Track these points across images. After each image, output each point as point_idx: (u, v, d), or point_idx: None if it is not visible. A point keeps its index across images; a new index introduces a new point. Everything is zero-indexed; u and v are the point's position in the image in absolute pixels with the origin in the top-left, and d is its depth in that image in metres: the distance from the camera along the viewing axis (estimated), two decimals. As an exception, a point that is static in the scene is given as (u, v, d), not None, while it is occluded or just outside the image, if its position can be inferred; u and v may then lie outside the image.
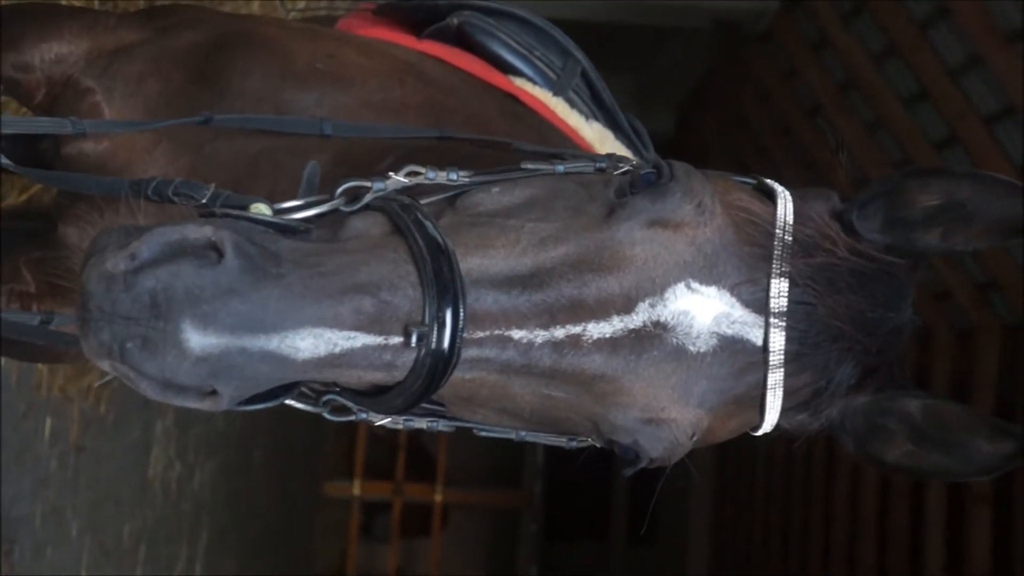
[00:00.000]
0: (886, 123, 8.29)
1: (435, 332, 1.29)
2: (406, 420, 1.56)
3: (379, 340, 1.28)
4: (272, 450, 10.02)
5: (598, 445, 1.56)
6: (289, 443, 11.11)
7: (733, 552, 12.47)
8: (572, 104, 2.27)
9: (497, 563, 15.32)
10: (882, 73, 8.24)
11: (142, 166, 1.99)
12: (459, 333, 1.30)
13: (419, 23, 2.38)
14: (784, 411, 1.49)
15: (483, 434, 1.60)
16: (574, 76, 2.31)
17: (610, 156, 1.57)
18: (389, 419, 1.52)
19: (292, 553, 11.89)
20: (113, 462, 5.76)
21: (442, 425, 1.60)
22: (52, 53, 2.12)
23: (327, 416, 1.51)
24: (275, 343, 1.21)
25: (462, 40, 2.30)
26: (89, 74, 2.08)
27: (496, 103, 2.18)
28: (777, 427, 1.54)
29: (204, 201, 1.40)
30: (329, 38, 2.23)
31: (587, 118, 2.28)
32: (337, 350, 1.25)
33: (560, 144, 2.13)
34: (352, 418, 1.49)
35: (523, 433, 1.57)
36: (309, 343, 1.23)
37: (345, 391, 1.45)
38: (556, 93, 2.26)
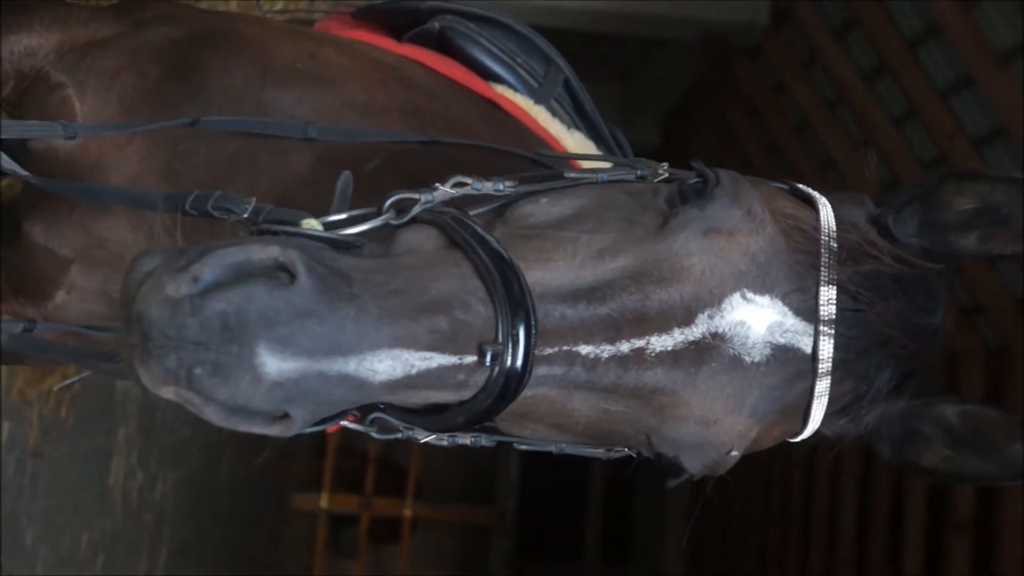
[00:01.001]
0: (874, 141, 8.21)
1: (509, 350, 1.27)
2: (451, 436, 1.50)
3: (454, 360, 1.26)
4: (239, 461, 9.85)
5: (640, 455, 1.54)
6: (257, 454, 10.92)
7: (708, 571, 12.37)
8: (554, 113, 2.27)
9: (467, 580, 15.15)
10: (872, 91, 8.17)
11: (113, 163, 1.94)
12: (532, 350, 1.28)
13: (399, 27, 2.37)
14: (825, 418, 1.48)
15: (523, 447, 1.55)
16: (556, 85, 2.30)
17: (645, 162, 1.55)
18: (433, 436, 1.47)
19: (256, 567, 11.70)
20: (72, 469, 5.62)
21: (484, 440, 1.54)
22: (21, 45, 2.06)
23: (374, 435, 1.47)
24: (353, 366, 1.19)
25: (443, 45, 2.27)
26: (60, 68, 2.03)
27: (478, 109, 2.16)
28: (816, 433, 1.53)
29: (246, 216, 1.37)
30: (309, 38, 2.19)
31: (569, 128, 2.28)
32: (414, 372, 1.23)
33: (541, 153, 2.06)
34: (398, 435, 1.46)
35: (563, 446, 1.53)
36: (387, 365, 1.21)
37: (392, 408, 1.42)
38: (538, 101, 2.25)
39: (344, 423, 1.42)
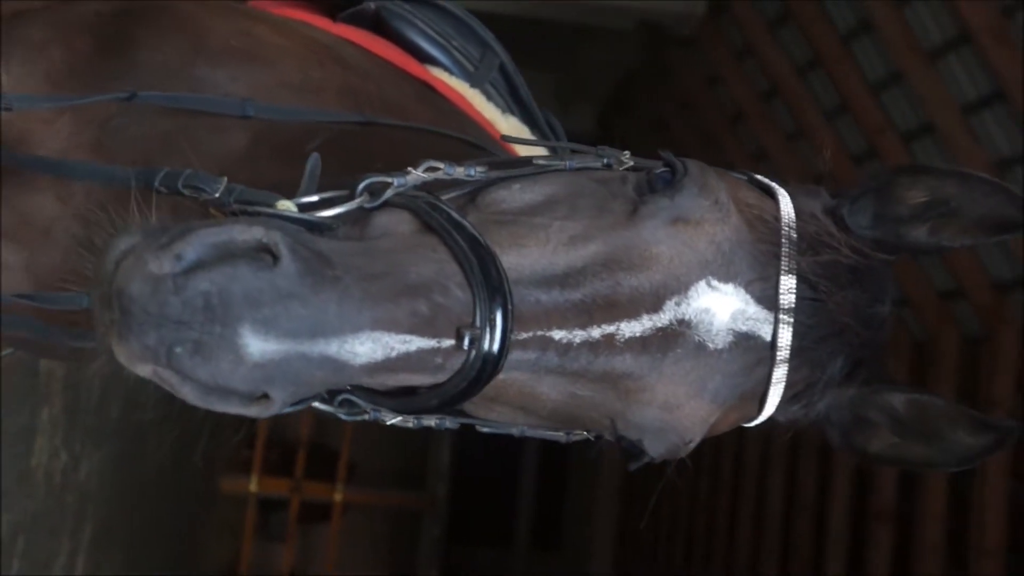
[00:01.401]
0: (807, 134, 8.31)
1: (487, 334, 1.28)
2: (416, 418, 1.50)
3: (433, 343, 1.27)
4: (166, 443, 9.71)
5: (601, 439, 1.57)
6: (185, 436, 10.79)
7: (637, 558, 12.49)
8: (489, 97, 2.26)
9: (397, 566, 15.13)
10: (805, 84, 8.27)
11: (40, 139, 1.89)
12: (509, 335, 1.29)
13: (334, 7, 2.33)
14: (779, 404, 1.51)
15: (486, 430, 1.56)
16: (492, 69, 2.30)
17: (607, 150, 1.56)
18: (399, 418, 1.48)
19: (183, 550, 11.56)
20: (-6, 449, 5.45)
21: (449, 423, 1.54)
22: None
23: (343, 416, 1.46)
24: (335, 348, 1.19)
25: (378, 26, 2.26)
26: None
27: (414, 91, 2.15)
28: (770, 419, 1.56)
29: (217, 196, 1.36)
30: (244, 15, 2.14)
31: (503, 112, 2.27)
32: (394, 354, 1.24)
33: (478, 136, 2.09)
34: (365, 417, 1.46)
35: (524, 428, 1.54)
36: (367, 347, 1.22)
37: (361, 390, 1.42)
38: (473, 84, 2.25)
39: (315, 404, 1.41)
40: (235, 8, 2.24)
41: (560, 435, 1.57)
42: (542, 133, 2.35)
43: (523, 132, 2.29)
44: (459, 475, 15.07)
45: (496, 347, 1.29)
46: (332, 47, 2.13)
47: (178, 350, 1.15)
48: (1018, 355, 6.73)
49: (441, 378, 1.31)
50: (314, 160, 1.42)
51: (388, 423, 1.48)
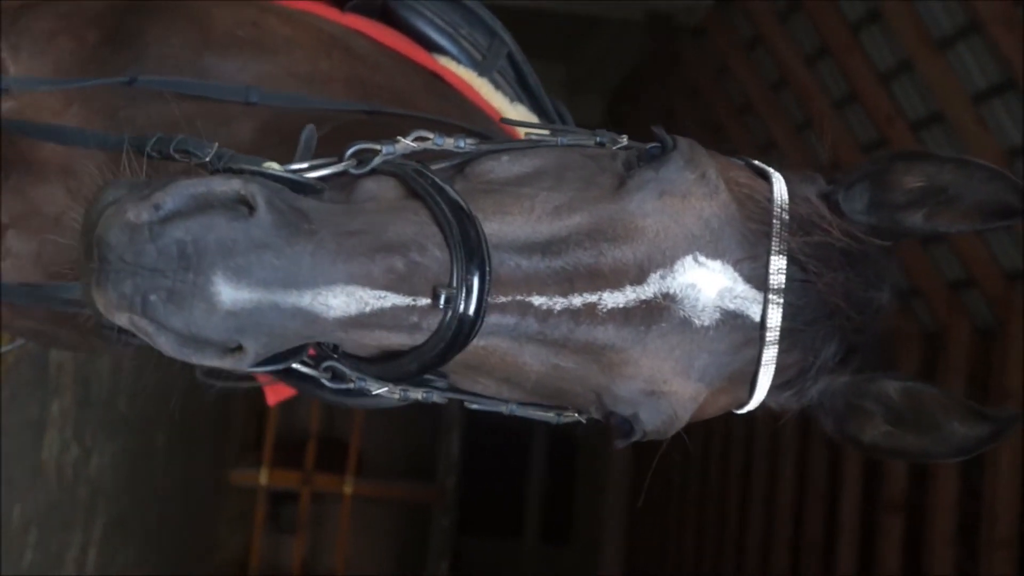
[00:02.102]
0: (816, 125, 8.28)
1: (463, 295, 1.28)
2: (403, 390, 1.50)
3: (408, 301, 1.28)
4: (176, 435, 9.75)
5: (590, 418, 1.56)
6: (194, 428, 10.83)
7: (647, 551, 12.48)
8: (497, 86, 2.26)
9: (407, 557, 15.14)
10: (814, 74, 8.23)
11: None
12: (485, 296, 1.29)
13: None
14: (771, 389, 1.50)
15: (474, 407, 1.56)
16: (499, 57, 2.30)
17: (604, 132, 1.56)
18: (386, 388, 1.48)
19: (194, 543, 11.61)
20: (5, 442, 5.50)
21: (436, 396, 1.53)
22: None
23: (326, 383, 1.45)
24: (307, 300, 1.20)
25: (386, 16, 2.26)
26: None
27: (422, 81, 2.15)
28: (761, 405, 1.55)
29: (207, 160, 1.36)
30: (251, 6, 2.14)
31: (512, 100, 2.28)
32: (367, 309, 1.25)
33: (484, 125, 2.08)
34: (350, 386, 1.45)
35: (513, 407, 1.53)
36: (341, 301, 1.23)
37: (346, 358, 1.42)
38: (481, 73, 2.25)
39: (296, 366, 1.42)
40: None
41: (551, 415, 1.57)
42: (551, 121, 2.34)
43: (531, 120, 2.28)
44: (469, 466, 15.09)
45: (472, 309, 1.29)
46: (340, 38, 2.14)
47: (152, 298, 1.16)
48: (1030, 345, 6.69)
49: (419, 339, 1.32)
50: (309, 131, 1.44)
51: (374, 392, 1.47)
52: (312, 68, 1.98)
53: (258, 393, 2.54)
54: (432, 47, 2.25)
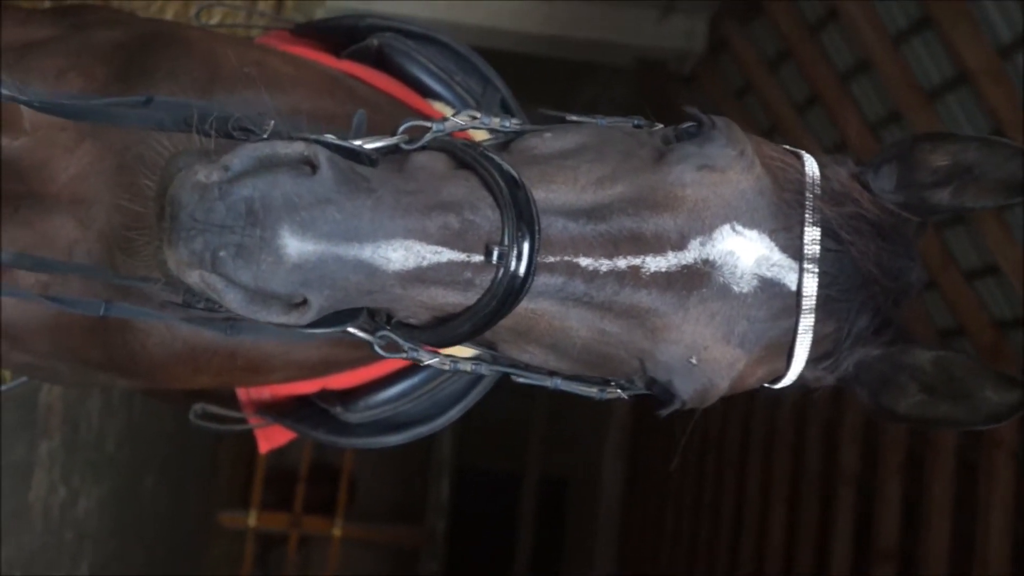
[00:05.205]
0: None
1: (514, 253, 1.33)
2: (453, 363, 1.58)
3: (463, 257, 1.33)
4: (164, 477, 9.68)
5: (630, 393, 1.61)
6: (182, 471, 10.75)
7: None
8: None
9: (395, 601, 15.01)
10: (805, 122, 8.30)
11: (61, 165, 1.91)
12: (535, 254, 1.35)
13: (338, 45, 2.37)
14: (808, 361, 1.55)
15: (520, 380, 1.62)
16: (493, 104, 2.35)
17: (642, 119, 1.65)
18: (437, 359, 1.56)
19: (181, 585, 11.46)
20: (-8, 483, 5.43)
21: (484, 368, 1.61)
22: None
23: (378, 351, 1.50)
24: (368, 252, 1.26)
25: (381, 62, 2.32)
26: None
27: None
28: (799, 379, 1.60)
29: (266, 137, 1.41)
30: (254, 47, 2.21)
31: None
32: (424, 263, 1.30)
33: None
34: (403, 355, 1.50)
35: (558, 381, 1.60)
36: (400, 254, 1.28)
37: (399, 327, 1.47)
38: None
39: (352, 330, 1.47)
40: (245, 41, 2.33)
41: (593, 391, 1.62)
42: None
43: None
44: (458, 509, 14.99)
45: (523, 267, 1.34)
46: (340, 79, 2.18)
47: (222, 254, 1.21)
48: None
49: (472, 298, 1.37)
50: (360, 115, 1.53)
51: (425, 363, 1.53)
52: (314, 105, 2.00)
53: (249, 437, 2.53)
54: (427, 93, 2.29)
